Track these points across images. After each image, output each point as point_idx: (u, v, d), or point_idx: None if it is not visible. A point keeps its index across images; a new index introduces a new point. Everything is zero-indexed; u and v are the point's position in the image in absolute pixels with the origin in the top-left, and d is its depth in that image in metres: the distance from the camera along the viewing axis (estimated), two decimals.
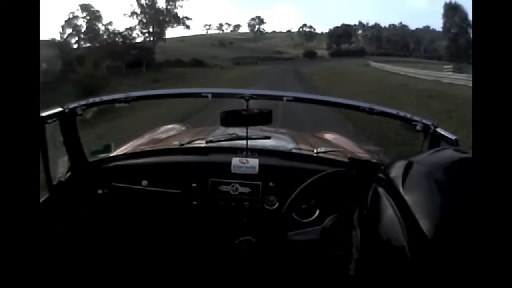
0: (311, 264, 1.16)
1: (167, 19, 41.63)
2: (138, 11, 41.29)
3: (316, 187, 1.08)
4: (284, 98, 1.22)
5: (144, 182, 1.26)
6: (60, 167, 1.15)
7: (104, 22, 32.89)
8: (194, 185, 1.25)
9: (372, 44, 57.02)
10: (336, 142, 1.95)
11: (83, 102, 1.16)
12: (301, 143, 1.61)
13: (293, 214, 1.22)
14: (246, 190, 1.24)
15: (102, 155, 1.34)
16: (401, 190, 0.49)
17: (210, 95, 1.22)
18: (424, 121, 1.15)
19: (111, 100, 1.20)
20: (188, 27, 43.59)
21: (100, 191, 1.27)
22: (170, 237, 1.30)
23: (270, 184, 1.23)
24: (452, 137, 1.08)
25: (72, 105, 1.14)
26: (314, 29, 59.76)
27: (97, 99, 1.19)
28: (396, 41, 56.72)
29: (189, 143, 1.42)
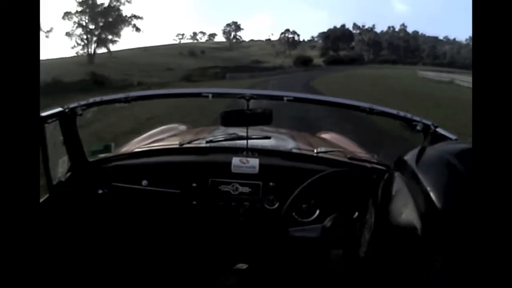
0: (310, 264, 1.16)
1: (110, 19, 31.81)
2: (73, 9, 31.15)
3: (316, 187, 1.08)
4: (285, 98, 1.22)
5: (144, 182, 1.26)
6: (60, 167, 1.15)
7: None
8: (194, 185, 1.25)
9: (370, 49, 50.96)
10: (336, 142, 1.95)
11: (83, 102, 1.16)
12: (301, 143, 1.61)
13: (293, 214, 1.22)
14: (246, 190, 1.24)
15: (102, 155, 1.34)
16: (415, 169, 0.52)
17: (210, 95, 1.22)
18: (424, 121, 1.15)
19: (111, 100, 1.20)
20: (138, 29, 35.25)
21: (100, 191, 1.27)
22: (170, 237, 1.30)
23: (270, 184, 1.23)
24: (452, 137, 1.08)
25: (72, 105, 1.14)
26: (299, 35, 50.78)
27: (97, 99, 1.19)
28: (397, 46, 51.03)
29: (189, 143, 1.42)
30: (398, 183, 0.55)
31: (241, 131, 1.35)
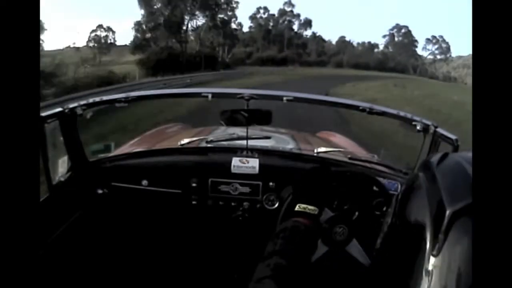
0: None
1: None
2: None
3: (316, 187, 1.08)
4: (284, 98, 1.23)
5: (144, 182, 1.26)
6: (60, 167, 1.15)
7: None
8: (194, 185, 1.25)
9: (225, 41, 27.28)
10: (336, 142, 1.95)
11: (83, 102, 1.16)
12: (301, 143, 1.61)
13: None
14: (246, 190, 1.24)
15: (102, 155, 1.34)
16: (435, 171, 0.53)
17: (210, 95, 1.22)
18: (424, 121, 1.15)
19: (111, 100, 1.21)
20: None
21: (100, 191, 1.27)
22: (170, 237, 1.30)
23: (270, 184, 1.23)
24: (452, 137, 1.08)
25: (72, 105, 1.14)
26: (114, 32, 29.52)
27: (97, 99, 1.19)
28: (279, 36, 30.15)
29: (189, 143, 1.42)
30: (419, 184, 0.56)
31: (241, 131, 1.35)
